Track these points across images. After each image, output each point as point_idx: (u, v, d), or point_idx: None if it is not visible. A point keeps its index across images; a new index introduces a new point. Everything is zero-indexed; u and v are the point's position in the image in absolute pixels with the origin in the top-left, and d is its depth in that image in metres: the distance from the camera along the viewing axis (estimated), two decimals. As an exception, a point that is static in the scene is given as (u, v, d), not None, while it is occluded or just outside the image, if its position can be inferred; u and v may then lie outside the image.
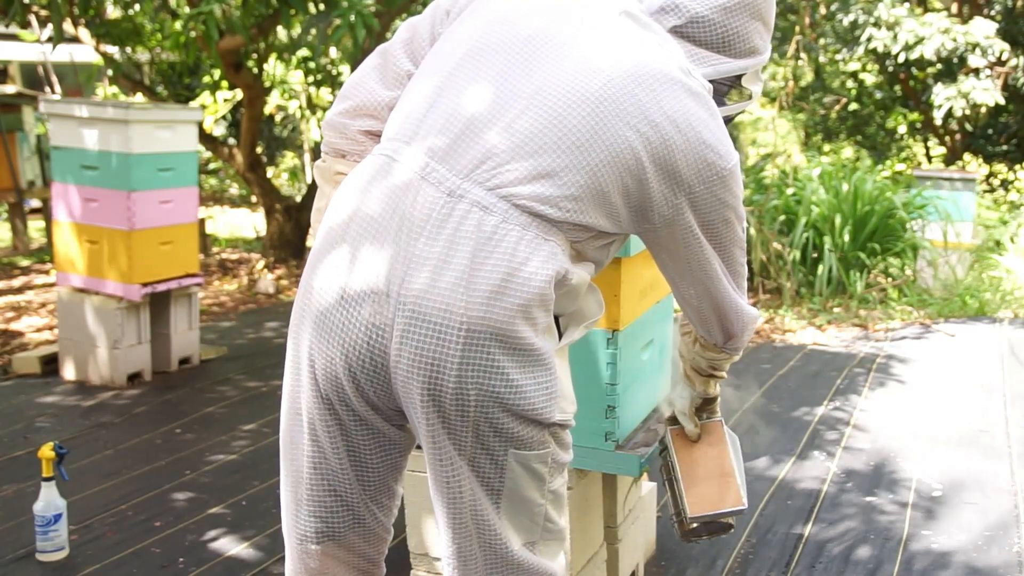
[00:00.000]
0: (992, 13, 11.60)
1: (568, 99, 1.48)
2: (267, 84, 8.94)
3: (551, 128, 1.47)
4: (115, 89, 10.65)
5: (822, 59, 13.04)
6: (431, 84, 1.55)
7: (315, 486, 1.60)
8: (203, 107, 8.40)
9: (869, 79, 13.75)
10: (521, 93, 1.49)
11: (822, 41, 12.02)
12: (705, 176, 1.53)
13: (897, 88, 13.14)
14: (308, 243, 7.88)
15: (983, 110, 11.77)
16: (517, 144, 1.46)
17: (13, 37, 11.21)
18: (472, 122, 1.48)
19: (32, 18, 8.21)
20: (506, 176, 1.45)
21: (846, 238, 7.41)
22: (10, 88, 8.06)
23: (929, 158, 13.75)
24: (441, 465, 1.52)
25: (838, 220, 7.49)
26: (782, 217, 7.67)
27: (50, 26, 8.23)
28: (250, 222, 10.41)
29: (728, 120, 1.68)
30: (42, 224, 8.63)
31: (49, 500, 2.87)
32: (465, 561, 1.58)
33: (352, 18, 5.07)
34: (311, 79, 10.08)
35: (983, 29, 10.33)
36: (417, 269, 1.43)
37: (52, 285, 6.67)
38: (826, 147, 14.00)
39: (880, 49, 10.69)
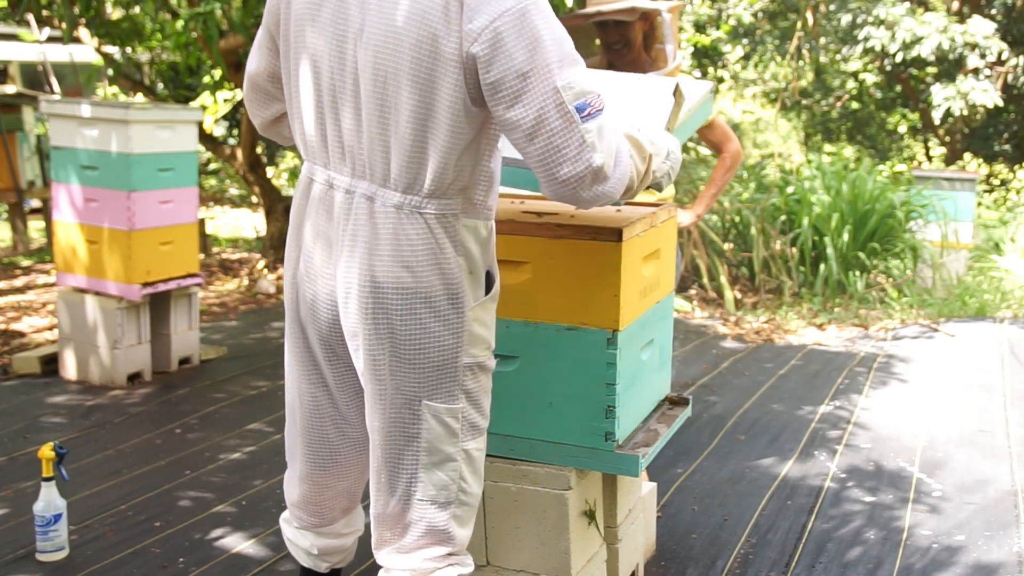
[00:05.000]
0: (992, 12, 11.60)
1: None
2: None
3: None
4: (115, 89, 10.65)
5: (823, 59, 13.03)
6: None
7: (309, 430, 2.04)
8: (203, 107, 8.40)
9: (870, 79, 13.76)
10: None
11: (822, 40, 12.02)
12: None
13: (897, 88, 13.14)
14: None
15: (981, 111, 11.77)
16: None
17: (13, 37, 11.21)
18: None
19: (31, 18, 8.21)
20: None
21: (846, 238, 7.42)
22: (10, 88, 8.07)
23: (929, 158, 13.76)
24: (373, 412, 1.84)
25: (838, 220, 7.50)
26: (783, 217, 7.68)
27: (48, 27, 8.24)
28: (250, 222, 10.41)
29: None
30: (42, 224, 8.63)
31: (49, 500, 2.87)
32: (383, 505, 1.88)
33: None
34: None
35: (982, 28, 10.32)
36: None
37: (53, 285, 6.68)
38: (826, 147, 14.01)
39: (878, 48, 10.69)
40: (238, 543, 3.02)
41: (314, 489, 2.10)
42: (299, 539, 2.18)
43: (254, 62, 1.98)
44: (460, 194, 1.78)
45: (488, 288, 1.87)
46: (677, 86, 2.09)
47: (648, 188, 1.97)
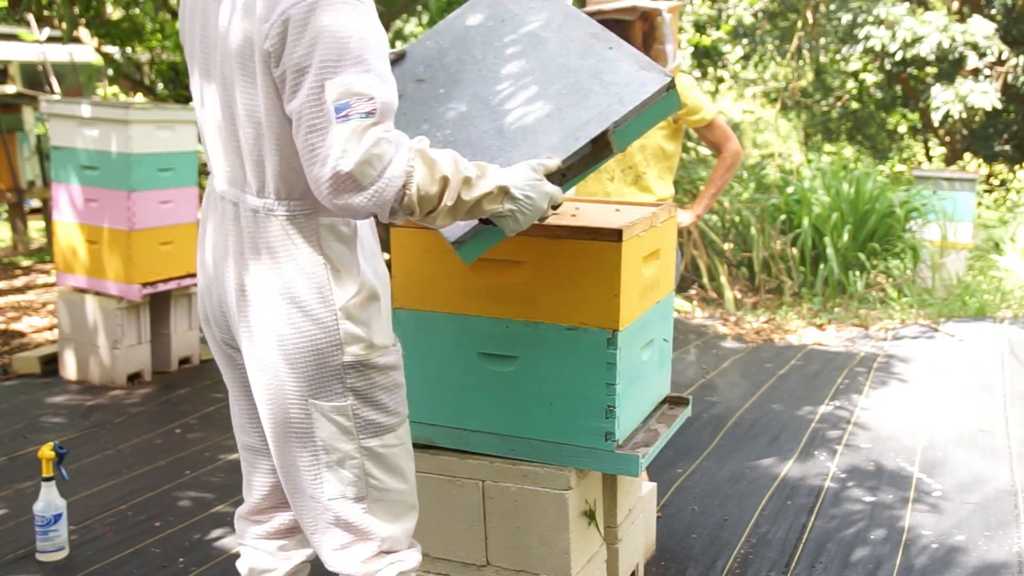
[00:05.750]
0: (992, 12, 11.60)
1: None
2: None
3: None
4: (115, 89, 10.65)
5: (823, 59, 13.04)
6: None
7: (239, 431, 2.04)
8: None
9: (870, 79, 13.75)
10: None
11: (822, 40, 12.03)
12: None
13: (897, 88, 13.14)
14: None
15: (980, 112, 11.77)
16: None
17: (13, 37, 11.21)
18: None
19: (31, 18, 8.20)
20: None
21: (846, 238, 7.42)
22: (10, 88, 8.07)
23: (929, 158, 13.75)
24: (264, 414, 1.84)
25: (838, 220, 7.50)
26: (783, 217, 7.67)
27: (48, 27, 8.23)
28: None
29: None
30: (42, 224, 8.63)
31: (49, 500, 2.87)
32: (298, 508, 1.87)
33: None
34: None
35: (982, 28, 10.32)
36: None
37: (53, 285, 6.68)
38: (826, 147, 14.01)
39: (878, 48, 10.69)
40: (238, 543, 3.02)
41: (258, 498, 2.06)
42: (240, 563, 2.10)
43: None
44: (310, 194, 1.76)
45: (364, 286, 1.81)
46: (605, 133, 1.90)
47: (487, 222, 1.84)
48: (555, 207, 1.86)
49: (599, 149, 1.94)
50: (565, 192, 1.93)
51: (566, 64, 2.09)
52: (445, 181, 1.68)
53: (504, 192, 1.76)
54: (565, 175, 1.90)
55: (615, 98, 1.98)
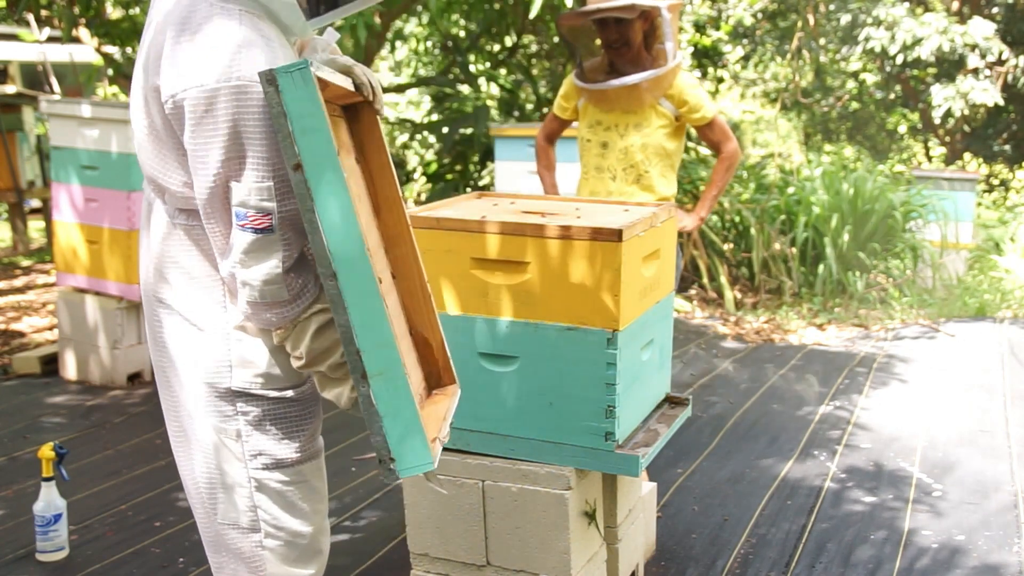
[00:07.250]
0: (992, 12, 11.59)
1: None
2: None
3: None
4: (115, 89, 10.65)
5: (823, 59, 13.04)
6: None
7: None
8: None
9: (870, 79, 13.75)
10: None
11: (822, 40, 12.03)
12: None
13: (897, 88, 13.14)
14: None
15: (982, 110, 11.77)
16: None
17: (13, 37, 11.21)
18: None
19: (31, 18, 8.20)
20: None
21: (846, 238, 7.42)
22: (10, 88, 8.07)
23: (929, 158, 13.75)
24: (167, 423, 1.84)
25: (838, 220, 7.50)
26: (782, 217, 7.67)
27: (48, 27, 8.24)
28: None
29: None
30: (42, 224, 8.63)
31: (49, 500, 2.87)
32: (200, 524, 1.83)
33: (354, 19, 5.08)
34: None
35: (982, 29, 10.31)
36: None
37: (53, 285, 6.68)
38: (826, 147, 14.00)
39: (877, 49, 10.69)
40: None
41: None
42: None
43: None
44: None
45: None
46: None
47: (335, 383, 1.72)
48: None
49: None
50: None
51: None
52: (299, 359, 1.68)
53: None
54: None
55: None
